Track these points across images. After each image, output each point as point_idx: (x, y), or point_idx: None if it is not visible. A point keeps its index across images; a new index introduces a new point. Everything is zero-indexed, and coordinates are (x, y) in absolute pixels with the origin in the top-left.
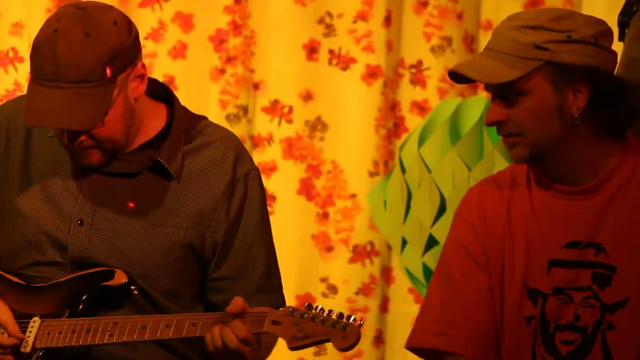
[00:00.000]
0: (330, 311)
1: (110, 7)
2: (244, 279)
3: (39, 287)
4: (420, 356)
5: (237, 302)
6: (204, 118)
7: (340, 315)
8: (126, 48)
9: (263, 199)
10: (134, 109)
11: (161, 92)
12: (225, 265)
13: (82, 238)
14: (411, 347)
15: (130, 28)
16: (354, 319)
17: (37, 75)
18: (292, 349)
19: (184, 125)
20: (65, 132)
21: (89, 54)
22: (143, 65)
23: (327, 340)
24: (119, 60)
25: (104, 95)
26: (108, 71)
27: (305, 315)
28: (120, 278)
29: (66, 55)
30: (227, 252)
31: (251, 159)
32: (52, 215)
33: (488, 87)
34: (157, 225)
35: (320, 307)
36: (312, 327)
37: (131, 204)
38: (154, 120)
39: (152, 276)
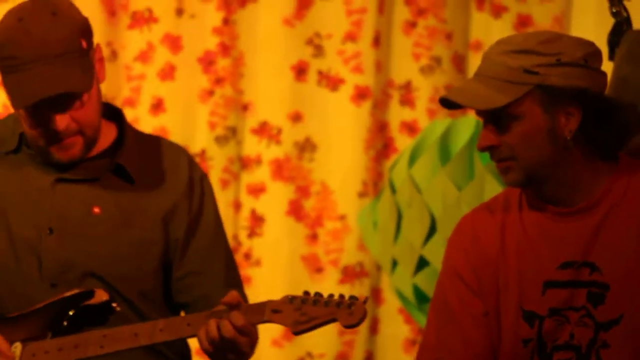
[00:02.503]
0: (330, 295)
1: None
2: (208, 273)
3: (16, 317)
4: None
5: (232, 294)
6: (149, 134)
7: (342, 296)
8: (88, 24)
9: (215, 201)
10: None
11: (109, 112)
12: (188, 261)
13: (54, 246)
14: None
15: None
16: (357, 298)
17: (16, 63)
18: (297, 333)
19: (134, 137)
20: (52, 119)
21: (62, 29)
22: (100, 49)
23: (334, 320)
24: (88, 34)
25: (88, 64)
26: (84, 43)
27: (306, 301)
28: (100, 296)
29: (42, 33)
30: (189, 248)
31: (199, 165)
32: (21, 229)
33: (479, 113)
34: (125, 227)
35: (318, 293)
36: (314, 310)
37: (97, 209)
38: (107, 133)
39: (127, 277)
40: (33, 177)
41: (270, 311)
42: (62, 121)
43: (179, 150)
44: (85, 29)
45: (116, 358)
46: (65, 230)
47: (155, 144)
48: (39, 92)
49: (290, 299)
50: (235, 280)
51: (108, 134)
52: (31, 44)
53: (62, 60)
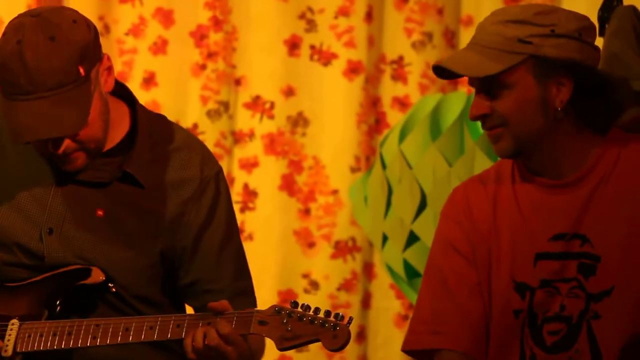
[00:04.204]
0: (317, 309)
1: (64, 7)
2: (216, 281)
3: (15, 287)
4: (415, 357)
5: (222, 303)
6: (164, 117)
7: (328, 313)
8: (91, 43)
9: (230, 197)
10: (108, 102)
11: (120, 91)
12: (195, 268)
13: (56, 247)
14: (407, 349)
15: (88, 23)
16: (342, 317)
17: (12, 91)
18: (282, 349)
19: (147, 128)
20: (50, 142)
21: (59, 57)
22: (108, 58)
23: (317, 341)
24: (88, 57)
25: (84, 95)
26: (81, 70)
27: (293, 315)
28: (97, 276)
29: (37, 63)
30: (197, 255)
31: (216, 160)
32: (22, 223)
33: (472, 81)
34: (127, 233)
35: (306, 304)
36: (300, 326)
37: (100, 212)
38: (119, 121)
39: (124, 284)
40: (39, 172)
41: (257, 322)
42: (60, 146)
43: (191, 147)
44: (84, 53)
45: (123, 349)
46: (65, 231)
47: (168, 138)
48: (29, 133)
49: (277, 311)
50: (244, 287)
51: (120, 121)
52: (26, 74)
53: (55, 95)
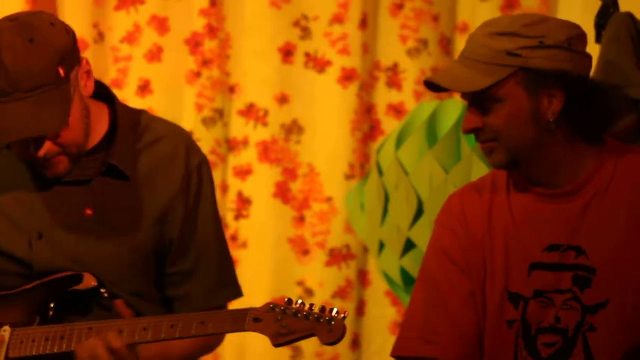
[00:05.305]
0: (312, 305)
1: (42, 12)
2: (199, 272)
3: (6, 295)
4: None
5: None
6: (145, 112)
7: (323, 309)
8: (70, 46)
9: (214, 187)
10: (89, 107)
11: (100, 91)
12: (182, 260)
13: (45, 252)
14: (397, 355)
15: (66, 28)
16: (337, 312)
17: None
18: (277, 345)
19: (129, 123)
20: (31, 144)
21: (38, 59)
22: (87, 62)
23: (313, 335)
24: (68, 59)
25: (64, 95)
26: (61, 71)
27: (287, 311)
28: (89, 282)
29: (16, 65)
30: (183, 247)
31: (200, 149)
32: (9, 230)
33: (464, 95)
34: (118, 230)
35: (301, 301)
36: (295, 322)
37: (89, 211)
38: (99, 121)
39: (119, 281)
40: (24, 177)
41: (251, 320)
42: (41, 149)
43: (175, 136)
44: (63, 55)
45: None
46: (55, 234)
47: (150, 131)
48: (11, 134)
49: (271, 308)
50: (226, 279)
51: (100, 121)
52: (6, 76)
53: (36, 95)
